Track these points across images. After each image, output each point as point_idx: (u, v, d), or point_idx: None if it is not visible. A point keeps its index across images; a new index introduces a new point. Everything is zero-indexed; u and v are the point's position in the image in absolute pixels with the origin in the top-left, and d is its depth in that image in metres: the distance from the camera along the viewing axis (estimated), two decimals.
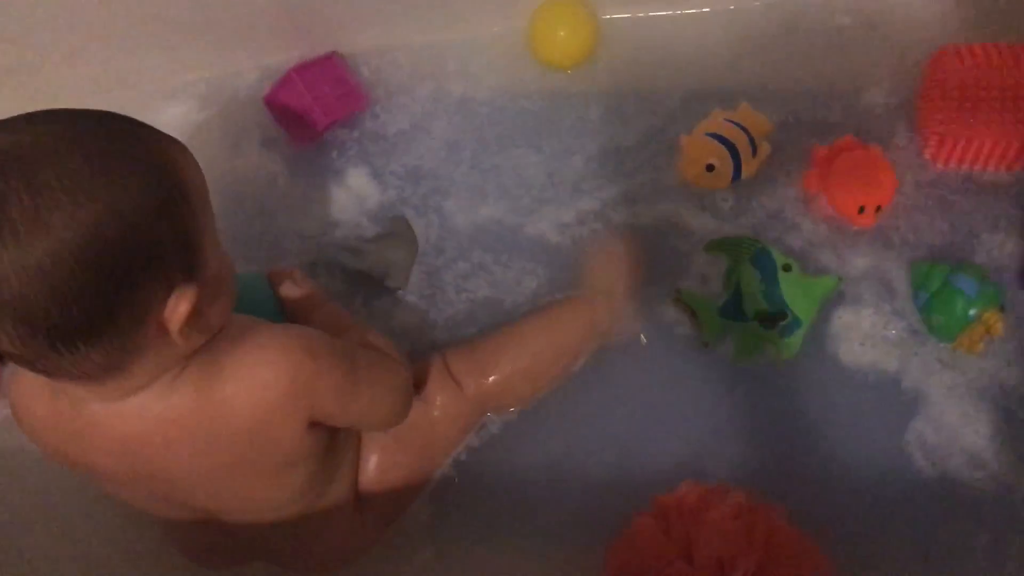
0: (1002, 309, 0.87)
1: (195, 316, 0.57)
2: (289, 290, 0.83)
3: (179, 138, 0.59)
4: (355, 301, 0.97)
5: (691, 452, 0.88)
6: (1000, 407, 0.87)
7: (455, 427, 0.86)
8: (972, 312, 0.86)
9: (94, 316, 0.52)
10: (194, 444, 0.63)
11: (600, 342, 0.91)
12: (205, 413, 0.62)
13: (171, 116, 1.06)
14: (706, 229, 0.97)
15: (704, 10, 1.08)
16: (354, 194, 1.03)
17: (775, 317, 0.90)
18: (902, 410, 0.88)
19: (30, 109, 0.54)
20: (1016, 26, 1.01)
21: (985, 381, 0.88)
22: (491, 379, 0.86)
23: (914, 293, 0.91)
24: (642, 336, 0.92)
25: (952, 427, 0.87)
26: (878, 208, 0.93)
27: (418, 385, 0.83)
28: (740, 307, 0.91)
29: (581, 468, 0.88)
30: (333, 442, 0.73)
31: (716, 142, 0.95)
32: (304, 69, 1.02)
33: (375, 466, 0.81)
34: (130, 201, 0.52)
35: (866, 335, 0.91)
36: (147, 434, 0.61)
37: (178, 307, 0.56)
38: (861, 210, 0.93)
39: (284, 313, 0.83)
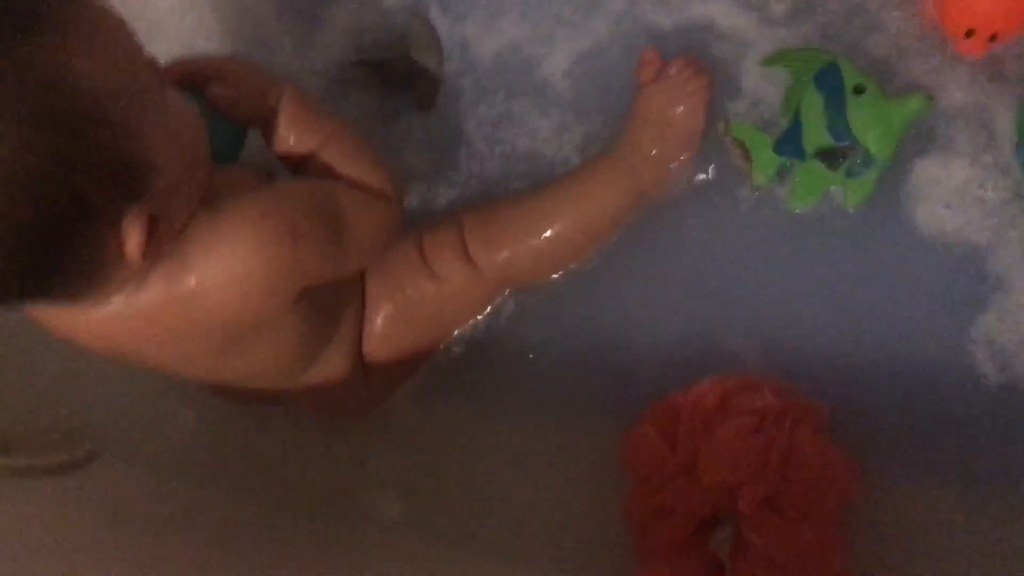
0: None
1: (156, 228, 0.53)
2: (231, 107, 0.67)
3: None
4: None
5: (727, 330, 0.77)
6: None
7: (467, 305, 0.80)
8: None
9: (43, 279, 0.51)
10: (175, 338, 0.61)
11: (640, 209, 0.78)
12: (176, 308, 0.58)
13: None
14: (756, 35, 0.80)
15: None
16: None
17: (840, 152, 0.74)
18: (978, 297, 0.73)
19: None
20: None
21: None
22: (510, 255, 0.77)
23: (1018, 145, 0.73)
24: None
25: None
26: (993, 37, 0.73)
27: (427, 254, 0.77)
28: (800, 140, 0.75)
29: (605, 346, 0.80)
30: (325, 304, 0.69)
31: None
32: None
33: (379, 334, 0.77)
34: (25, 171, 0.46)
35: (955, 194, 0.75)
36: (130, 332, 0.59)
37: (130, 236, 0.52)
38: (969, 33, 0.74)
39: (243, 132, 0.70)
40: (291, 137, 0.67)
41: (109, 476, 0.85)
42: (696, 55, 0.78)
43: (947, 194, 0.75)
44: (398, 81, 0.87)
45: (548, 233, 0.76)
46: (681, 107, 0.76)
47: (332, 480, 0.84)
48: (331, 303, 0.71)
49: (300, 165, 0.68)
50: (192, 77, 0.64)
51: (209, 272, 0.57)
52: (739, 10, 0.80)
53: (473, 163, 0.84)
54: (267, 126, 0.67)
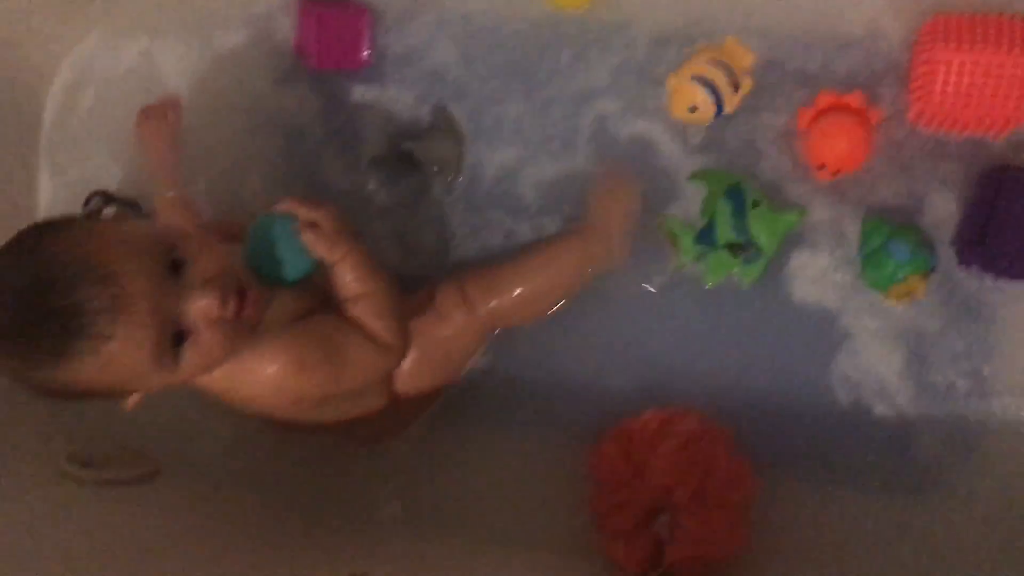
0: (932, 271, 0.99)
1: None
2: (317, 247, 0.83)
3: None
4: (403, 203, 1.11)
5: (660, 369, 1.06)
6: (912, 351, 1.02)
7: (469, 341, 1.03)
8: (900, 275, 0.98)
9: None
10: (240, 401, 0.85)
11: (596, 273, 1.04)
12: (236, 387, 0.82)
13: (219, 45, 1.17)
14: (681, 157, 1.08)
15: None
16: (386, 107, 1.13)
17: (741, 246, 1.02)
18: (833, 344, 1.03)
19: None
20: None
21: (905, 327, 1.02)
22: (498, 303, 1.01)
23: (860, 246, 1.03)
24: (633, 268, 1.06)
25: (870, 364, 1.03)
26: (836, 172, 1.02)
27: (439, 305, 1.00)
28: (713, 235, 1.04)
29: (572, 378, 1.07)
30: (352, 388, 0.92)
31: (699, 86, 1.03)
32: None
33: (407, 373, 0.99)
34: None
35: (817, 275, 1.04)
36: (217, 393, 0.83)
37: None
38: (821, 167, 1.02)
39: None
40: (347, 281, 0.86)
41: (169, 487, 1.03)
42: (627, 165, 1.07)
43: (812, 276, 1.04)
44: (420, 166, 1.10)
45: (526, 287, 1.02)
46: (620, 198, 1.05)
47: (349, 488, 1.07)
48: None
49: (341, 301, 0.87)
50: (297, 210, 0.82)
51: (256, 377, 0.81)
52: (669, 137, 1.08)
53: (472, 240, 1.11)
54: (332, 266, 0.85)
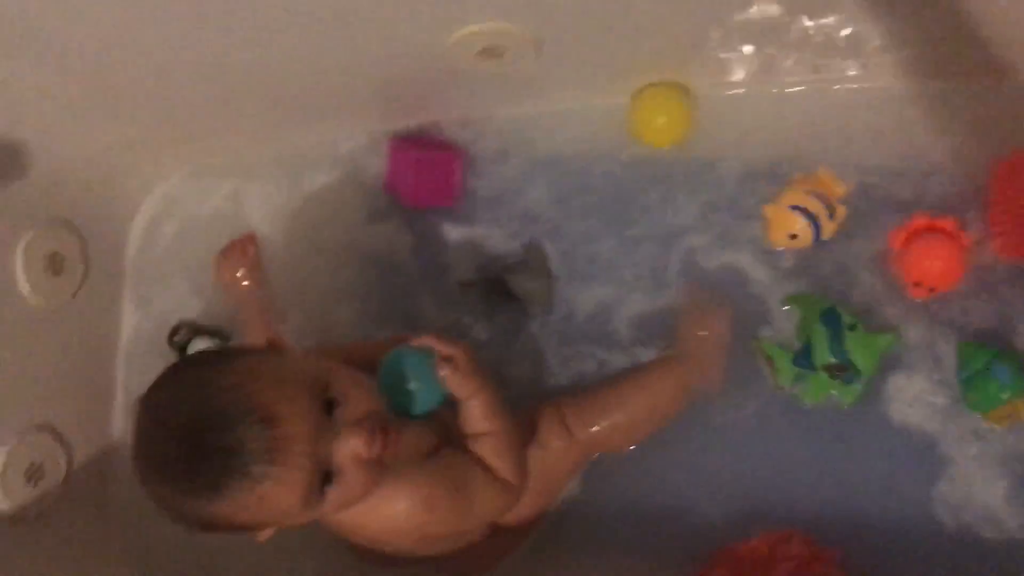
0: None
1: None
2: (452, 382, 0.84)
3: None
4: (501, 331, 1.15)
5: (759, 495, 1.05)
6: (1018, 475, 1.01)
7: (568, 467, 1.05)
8: (1004, 396, 0.99)
9: None
10: (366, 539, 0.86)
11: (692, 398, 1.06)
12: (366, 523, 0.83)
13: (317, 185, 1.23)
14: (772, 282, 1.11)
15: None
16: (478, 243, 1.18)
17: (839, 368, 1.04)
18: (934, 469, 1.03)
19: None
20: None
21: (1008, 452, 1.02)
22: (595, 430, 1.03)
23: (958, 369, 1.05)
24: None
25: (974, 489, 1.02)
26: (932, 289, 1.06)
27: (538, 432, 1.01)
28: (811, 357, 1.05)
29: (668, 504, 1.06)
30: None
31: (798, 213, 1.08)
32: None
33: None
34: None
35: (915, 398, 1.05)
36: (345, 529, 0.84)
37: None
38: (917, 284, 1.06)
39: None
40: (475, 417, 0.87)
41: None
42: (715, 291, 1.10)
43: (910, 398, 1.06)
44: (512, 294, 1.13)
45: (624, 413, 1.03)
46: (711, 323, 1.06)
47: None
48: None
49: (466, 438, 0.88)
50: (436, 345, 0.83)
51: (384, 514, 0.81)
52: (759, 263, 1.12)
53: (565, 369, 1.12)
54: (463, 403, 0.87)
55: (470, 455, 0.87)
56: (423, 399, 0.81)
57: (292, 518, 0.71)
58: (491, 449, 0.88)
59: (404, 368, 0.81)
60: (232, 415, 0.64)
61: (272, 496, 0.66)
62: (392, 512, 0.81)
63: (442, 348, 0.82)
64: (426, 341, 0.83)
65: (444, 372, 0.81)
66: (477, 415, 0.86)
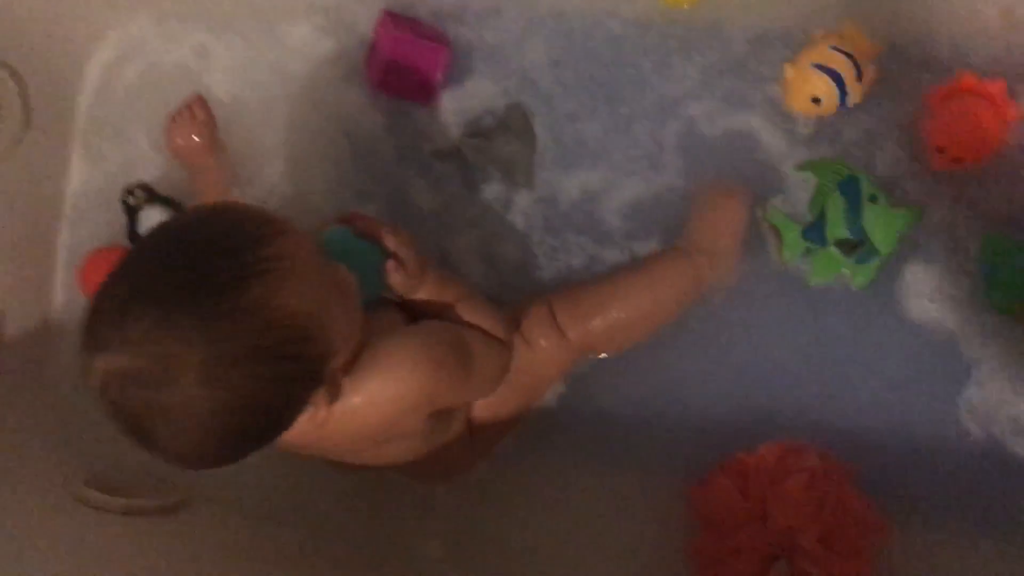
0: None
1: (336, 381, 0.64)
2: (395, 281, 0.76)
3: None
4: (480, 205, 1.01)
5: (765, 398, 0.94)
6: None
7: (555, 368, 0.92)
8: None
9: (263, 444, 0.61)
10: (334, 440, 0.71)
11: (702, 294, 0.93)
12: (342, 420, 0.68)
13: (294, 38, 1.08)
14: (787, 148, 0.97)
15: None
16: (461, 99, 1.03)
17: (854, 243, 0.91)
18: (958, 373, 0.91)
19: None
20: None
21: None
22: (591, 329, 0.90)
23: (982, 263, 0.92)
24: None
25: (1001, 394, 0.91)
26: (957, 159, 0.92)
27: (524, 329, 0.89)
28: (823, 231, 0.92)
29: (664, 409, 0.94)
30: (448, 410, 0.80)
31: (821, 73, 0.92)
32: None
33: (486, 404, 0.88)
34: (255, 397, 0.56)
35: (934, 290, 0.93)
36: (309, 436, 0.68)
37: (321, 400, 0.63)
38: (940, 150, 0.92)
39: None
40: (436, 291, 0.78)
41: (196, 517, 0.90)
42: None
43: (929, 290, 0.93)
44: (493, 161, 0.98)
45: (624, 311, 0.90)
46: (728, 211, 0.93)
47: (391, 524, 0.95)
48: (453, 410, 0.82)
49: (435, 315, 0.79)
50: (372, 229, 0.74)
51: (371, 393, 0.68)
52: (772, 127, 0.97)
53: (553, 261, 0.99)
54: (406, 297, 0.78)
55: (450, 321, 0.79)
56: (365, 288, 0.70)
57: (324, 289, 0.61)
58: (467, 311, 0.79)
59: (343, 252, 0.70)
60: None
61: (296, 248, 0.59)
62: (400, 375, 0.69)
63: (389, 242, 0.74)
64: (371, 227, 0.74)
65: (391, 270, 0.73)
66: (433, 293, 0.78)
